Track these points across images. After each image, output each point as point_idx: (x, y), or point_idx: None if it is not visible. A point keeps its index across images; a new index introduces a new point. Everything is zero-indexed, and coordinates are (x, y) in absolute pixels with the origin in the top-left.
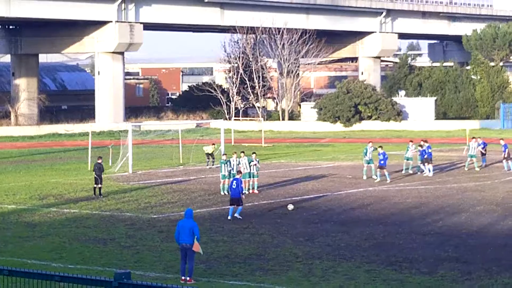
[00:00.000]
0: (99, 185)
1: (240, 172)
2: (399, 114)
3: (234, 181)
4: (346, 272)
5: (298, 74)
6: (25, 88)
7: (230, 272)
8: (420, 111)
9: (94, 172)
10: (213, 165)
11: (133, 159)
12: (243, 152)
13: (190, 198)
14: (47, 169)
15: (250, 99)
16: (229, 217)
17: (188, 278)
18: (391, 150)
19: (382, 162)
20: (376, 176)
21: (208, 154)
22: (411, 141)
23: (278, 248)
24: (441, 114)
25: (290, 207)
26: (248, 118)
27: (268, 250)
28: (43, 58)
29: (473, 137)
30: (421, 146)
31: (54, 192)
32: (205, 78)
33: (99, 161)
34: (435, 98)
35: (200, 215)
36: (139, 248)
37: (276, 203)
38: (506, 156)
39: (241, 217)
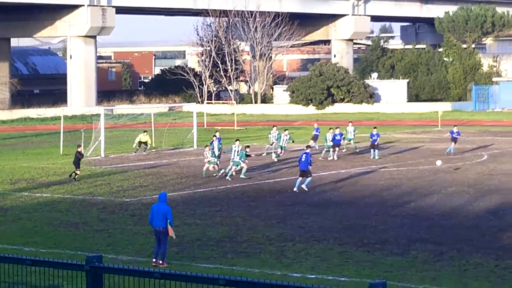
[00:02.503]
0: (77, 171)
1: (309, 147)
2: (372, 97)
3: (304, 154)
4: (319, 254)
5: (271, 57)
6: None
7: (202, 255)
8: (392, 94)
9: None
10: (144, 151)
11: (106, 143)
12: (238, 139)
13: (162, 181)
14: (19, 153)
15: (222, 82)
16: (294, 189)
17: (160, 261)
18: (362, 132)
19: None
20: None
21: (141, 142)
22: (350, 122)
23: (250, 231)
24: (414, 96)
25: (439, 162)
26: (221, 102)
27: (240, 232)
28: (15, 42)
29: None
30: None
31: (26, 177)
32: (178, 62)
33: (78, 149)
34: (407, 80)
35: (172, 198)
36: (111, 231)
37: (248, 186)
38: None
39: (307, 189)
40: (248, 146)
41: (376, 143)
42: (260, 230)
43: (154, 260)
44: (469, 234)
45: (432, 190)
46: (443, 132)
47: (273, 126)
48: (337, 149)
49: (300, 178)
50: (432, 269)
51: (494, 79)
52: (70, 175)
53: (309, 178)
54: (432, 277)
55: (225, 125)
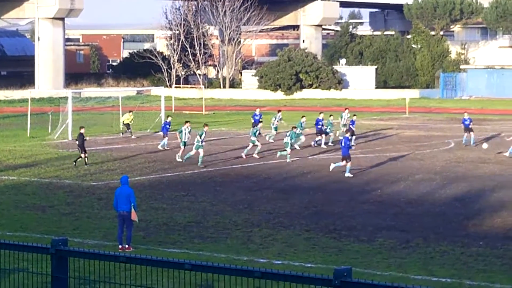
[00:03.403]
0: (84, 155)
1: (348, 131)
2: (340, 83)
3: (343, 139)
4: (285, 239)
5: (240, 41)
6: None
7: (169, 239)
8: (360, 80)
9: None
10: (131, 135)
11: (73, 126)
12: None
13: (129, 165)
14: None
15: (191, 67)
16: (330, 168)
17: (126, 246)
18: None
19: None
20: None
21: (125, 125)
22: (346, 109)
23: (217, 216)
24: (382, 82)
25: (485, 146)
26: (189, 86)
27: (207, 217)
28: None
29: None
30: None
31: None
32: (146, 45)
33: (81, 130)
34: (375, 67)
35: (139, 182)
36: (78, 215)
37: (215, 171)
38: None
39: (352, 175)
40: (206, 124)
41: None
42: (227, 215)
43: (120, 246)
44: (436, 222)
45: (399, 177)
46: (411, 119)
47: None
48: (323, 136)
49: (344, 162)
50: (399, 256)
51: (462, 66)
52: (75, 161)
53: (342, 163)
54: (398, 264)
55: (193, 110)
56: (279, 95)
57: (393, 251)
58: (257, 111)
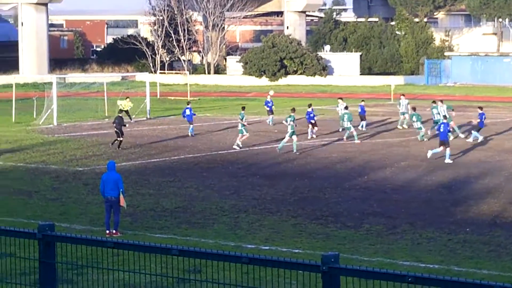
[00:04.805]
0: (120, 138)
1: (446, 117)
2: (325, 69)
3: (442, 125)
4: (272, 225)
5: (224, 27)
6: None
7: (156, 225)
8: (345, 66)
9: (114, 126)
10: (130, 120)
11: (58, 112)
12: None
13: (115, 151)
14: None
15: (175, 53)
16: (428, 155)
17: (114, 231)
18: (316, 104)
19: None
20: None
21: (123, 111)
22: (403, 95)
23: (204, 202)
24: (366, 69)
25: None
26: (174, 72)
27: (194, 203)
28: None
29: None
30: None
31: None
32: (130, 31)
33: (119, 114)
34: (360, 53)
35: (126, 168)
36: (64, 200)
37: (201, 157)
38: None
39: (451, 161)
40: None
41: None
42: (214, 201)
43: (107, 232)
44: (422, 208)
45: (385, 163)
46: (396, 105)
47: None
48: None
49: (441, 148)
50: (385, 242)
51: (446, 53)
52: (112, 143)
53: (440, 149)
54: (385, 250)
55: (178, 95)
56: (264, 81)
57: (380, 237)
58: (269, 98)
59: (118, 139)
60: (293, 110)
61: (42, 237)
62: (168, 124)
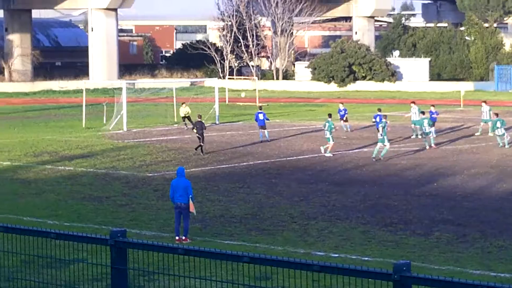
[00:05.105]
0: (201, 143)
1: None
2: (393, 75)
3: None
4: (342, 232)
5: (292, 33)
6: (18, 44)
7: (225, 231)
8: (414, 72)
9: (195, 131)
10: (187, 127)
11: (128, 117)
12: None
13: (184, 157)
14: (42, 126)
15: (244, 58)
16: None
17: (183, 237)
18: (385, 111)
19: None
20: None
21: (185, 117)
22: (484, 102)
23: (273, 208)
24: (435, 75)
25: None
26: (242, 77)
27: (263, 210)
28: (36, 14)
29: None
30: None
31: (49, 149)
32: (199, 36)
33: (199, 119)
34: (429, 59)
35: (195, 174)
36: (134, 206)
37: (271, 163)
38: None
39: None
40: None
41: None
42: (283, 207)
43: (177, 238)
44: (493, 216)
45: (455, 170)
46: (466, 112)
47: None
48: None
49: None
50: (456, 250)
51: None
52: (196, 149)
53: None
54: (455, 258)
55: (246, 101)
56: (333, 87)
57: (450, 245)
58: (341, 106)
59: (200, 143)
60: (385, 116)
61: (114, 243)
62: (236, 130)
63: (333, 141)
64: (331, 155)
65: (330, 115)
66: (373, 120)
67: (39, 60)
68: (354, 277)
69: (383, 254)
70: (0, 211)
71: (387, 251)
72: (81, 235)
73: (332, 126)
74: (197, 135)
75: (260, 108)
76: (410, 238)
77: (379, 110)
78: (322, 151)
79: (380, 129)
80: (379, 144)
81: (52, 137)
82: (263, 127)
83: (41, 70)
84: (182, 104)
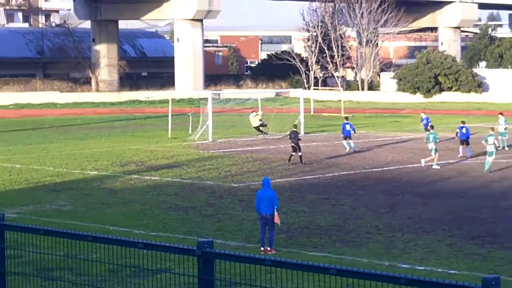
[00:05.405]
0: (298, 153)
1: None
2: (480, 86)
3: None
4: (427, 245)
5: (377, 43)
6: (105, 54)
7: (310, 243)
8: (501, 83)
9: (291, 140)
10: (267, 134)
11: (213, 127)
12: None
13: (270, 167)
14: (128, 135)
15: (329, 69)
16: None
17: (268, 248)
18: (471, 122)
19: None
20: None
21: (257, 127)
22: (501, 114)
23: (358, 220)
24: None
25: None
26: (327, 88)
27: (348, 221)
28: (123, 24)
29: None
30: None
31: (135, 159)
32: (284, 47)
33: (294, 129)
34: None
35: (280, 185)
36: (220, 216)
37: (356, 174)
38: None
39: None
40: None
41: None
42: (369, 219)
43: (262, 249)
44: None
45: None
46: None
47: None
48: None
49: None
50: None
51: None
52: (289, 160)
53: None
54: None
55: (331, 112)
56: (418, 98)
57: None
58: (423, 115)
59: (297, 153)
60: (492, 129)
61: (202, 253)
62: (322, 141)
63: (437, 152)
64: (439, 167)
65: (432, 127)
66: (457, 131)
67: (125, 71)
68: None
69: (470, 267)
70: (87, 220)
71: (474, 264)
72: (168, 245)
73: (437, 137)
74: (292, 144)
75: (346, 118)
76: (498, 252)
77: (463, 122)
78: (423, 163)
79: (491, 141)
80: (490, 157)
81: (138, 147)
82: (348, 137)
83: (127, 80)
84: (252, 112)
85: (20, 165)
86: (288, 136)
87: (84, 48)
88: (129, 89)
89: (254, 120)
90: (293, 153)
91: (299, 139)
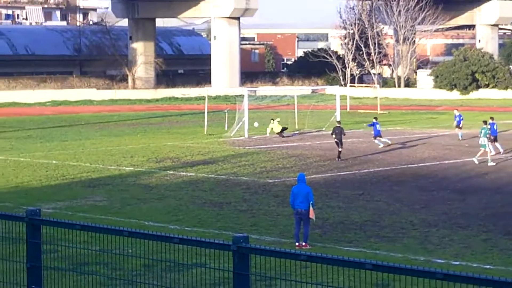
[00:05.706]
0: (339, 149)
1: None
2: None
3: None
4: (462, 240)
5: (414, 41)
6: (142, 52)
7: (345, 238)
8: None
9: (334, 136)
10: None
11: (249, 124)
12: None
13: (305, 163)
14: (164, 132)
15: (365, 66)
16: None
17: (303, 243)
18: (507, 119)
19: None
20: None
21: (280, 132)
22: None
23: (393, 215)
24: None
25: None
26: (364, 85)
27: (383, 217)
28: (160, 22)
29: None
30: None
31: (171, 155)
32: (320, 44)
33: (339, 124)
34: None
35: (315, 180)
36: (254, 212)
37: (391, 170)
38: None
39: None
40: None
41: None
42: (404, 215)
43: (297, 244)
44: None
45: None
46: None
47: None
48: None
49: None
50: None
51: None
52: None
53: None
54: None
55: (367, 109)
56: (455, 95)
57: None
58: (456, 112)
59: (338, 149)
60: None
61: (237, 248)
62: (358, 137)
63: (486, 147)
64: (494, 163)
65: (485, 122)
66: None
67: (162, 68)
68: (478, 285)
69: (505, 262)
70: (123, 215)
71: (509, 260)
72: (204, 240)
73: (487, 132)
74: (336, 140)
75: (375, 118)
76: None
77: (492, 118)
78: (476, 161)
79: None
80: None
81: (174, 143)
82: (378, 136)
83: (164, 78)
84: (272, 120)
85: (57, 161)
86: (331, 132)
87: (121, 46)
88: (165, 86)
89: (277, 127)
90: (340, 149)
91: (344, 134)
